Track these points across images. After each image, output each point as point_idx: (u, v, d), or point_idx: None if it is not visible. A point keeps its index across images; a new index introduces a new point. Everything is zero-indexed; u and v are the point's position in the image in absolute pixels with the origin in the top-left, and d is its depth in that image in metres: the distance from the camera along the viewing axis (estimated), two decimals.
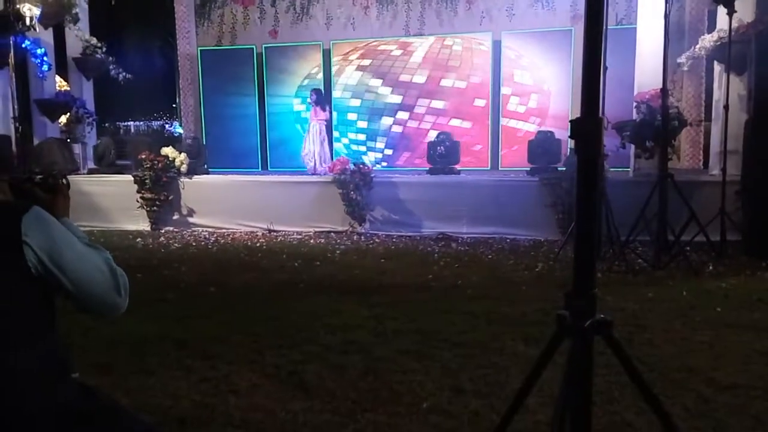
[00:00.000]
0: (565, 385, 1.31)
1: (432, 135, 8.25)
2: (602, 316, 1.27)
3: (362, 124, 9.19)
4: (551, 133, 7.27)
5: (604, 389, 2.61)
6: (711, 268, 5.09)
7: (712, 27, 7.19)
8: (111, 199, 7.77)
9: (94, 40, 8.87)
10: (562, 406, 1.33)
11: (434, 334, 3.46)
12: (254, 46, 9.48)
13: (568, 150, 7.12)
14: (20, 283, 1.32)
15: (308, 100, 8.15)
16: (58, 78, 8.90)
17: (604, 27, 4.76)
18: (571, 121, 1.26)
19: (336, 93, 9.17)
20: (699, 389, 2.68)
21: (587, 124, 1.24)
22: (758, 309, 3.93)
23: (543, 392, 2.54)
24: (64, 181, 1.63)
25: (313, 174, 7.78)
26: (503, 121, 8.61)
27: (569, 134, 1.28)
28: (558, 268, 5.21)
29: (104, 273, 1.44)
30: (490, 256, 5.81)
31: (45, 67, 7.91)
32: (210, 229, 7.47)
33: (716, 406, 2.52)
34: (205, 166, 8.15)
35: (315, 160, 7.89)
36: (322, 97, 8.18)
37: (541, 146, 7.02)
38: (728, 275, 4.85)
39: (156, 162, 7.48)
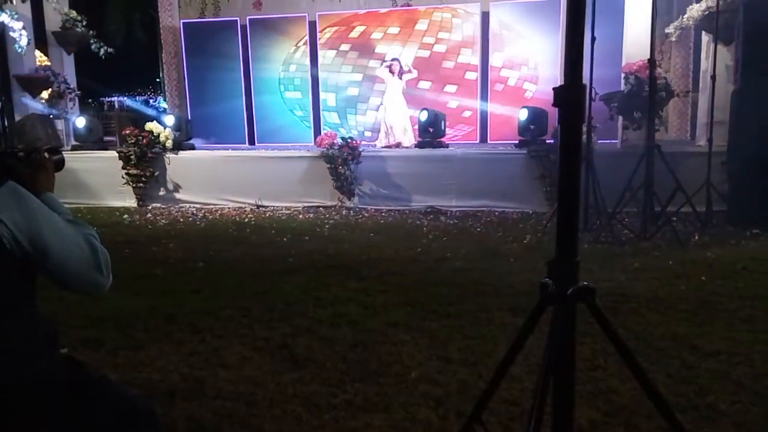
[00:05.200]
0: (548, 352, 1.33)
1: (420, 109, 8.18)
2: (585, 283, 1.28)
3: (348, 97, 9.11)
4: (539, 106, 7.24)
5: (589, 357, 2.65)
6: (697, 238, 5.15)
7: None
8: (96, 176, 7.69)
9: (73, 14, 8.66)
10: (545, 373, 1.35)
11: (423, 306, 3.49)
12: (238, 19, 9.30)
13: (556, 122, 7.11)
14: None
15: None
16: (37, 53, 8.71)
17: None
18: (554, 89, 1.25)
19: (321, 66, 9.06)
20: (682, 356, 2.72)
21: (570, 91, 1.23)
22: (742, 278, 3.98)
23: (530, 361, 2.58)
24: (46, 155, 1.60)
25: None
26: (492, 94, 8.57)
27: (553, 102, 1.27)
28: (546, 240, 5.24)
29: (83, 250, 1.40)
30: (478, 229, 5.83)
31: (24, 42, 7.72)
32: (197, 205, 7.43)
33: (699, 372, 2.57)
34: (191, 140, 8.05)
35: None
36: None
37: (529, 119, 7.00)
38: (713, 245, 4.91)
39: (141, 138, 7.39)
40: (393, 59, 8.19)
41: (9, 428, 1.31)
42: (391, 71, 8.07)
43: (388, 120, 7.97)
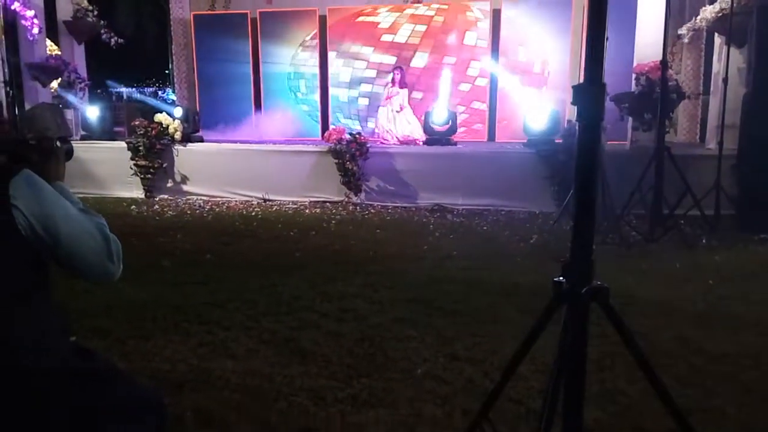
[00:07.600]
0: (560, 351, 1.33)
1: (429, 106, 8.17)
2: (599, 283, 1.27)
3: (354, 93, 9.11)
4: (549, 104, 7.21)
5: (597, 358, 2.65)
6: (704, 241, 5.12)
7: None
8: (104, 166, 7.71)
9: (85, 3, 8.69)
10: (556, 371, 1.35)
11: (429, 302, 3.49)
12: (248, 12, 9.31)
13: (566, 122, 7.09)
14: (11, 244, 1.31)
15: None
16: (48, 42, 8.73)
17: None
18: (573, 87, 1.24)
19: (331, 60, 9.05)
20: (690, 359, 2.72)
21: (590, 90, 1.23)
22: (749, 282, 3.97)
23: (536, 360, 2.57)
24: (58, 144, 1.60)
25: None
26: (501, 92, 8.55)
27: (572, 100, 1.26)
28: (553, 240, 5.23)
29: (96, 238, 1.41)
30: (485, 228, 5.82)
31: (35, 30, 7.74)
32: (205, 197, 7.45)
33: (706, 375, 2.56)
34: (199, 132, 8.06)
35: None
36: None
37: (539, 118, 6.96)
38: (721, 249, 4.89)
39: (149, 129, 7.40)
40: (396, 67, 8.08)
41: (19, 414, 1.33)
42: (393, 81, 7.95)
43: (388, 126, 7.89)
